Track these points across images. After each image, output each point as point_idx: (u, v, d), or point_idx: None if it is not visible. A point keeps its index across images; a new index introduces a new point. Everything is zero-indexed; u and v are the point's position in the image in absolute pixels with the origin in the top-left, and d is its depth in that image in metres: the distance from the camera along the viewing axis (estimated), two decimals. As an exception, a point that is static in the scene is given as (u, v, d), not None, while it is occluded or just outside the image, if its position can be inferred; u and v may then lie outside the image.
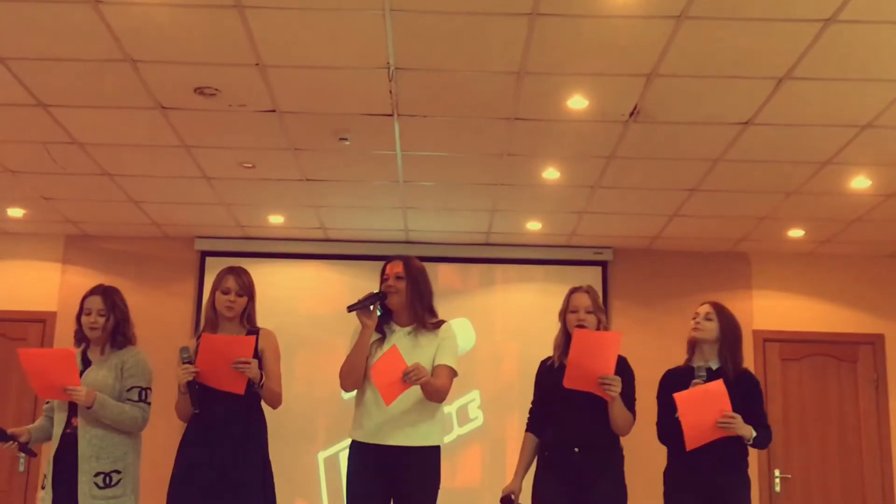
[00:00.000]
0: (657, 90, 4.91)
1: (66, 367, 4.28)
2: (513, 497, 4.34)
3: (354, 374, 4.18)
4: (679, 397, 4.19)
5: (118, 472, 4.35)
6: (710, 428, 4.18)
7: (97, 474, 4.30)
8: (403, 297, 4.25)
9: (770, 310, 8.01)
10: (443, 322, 4.32)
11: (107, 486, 4.30)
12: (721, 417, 4.16)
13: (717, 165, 5.98)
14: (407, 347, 4.17)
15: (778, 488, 7.68)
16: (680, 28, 4.26)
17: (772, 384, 7.75)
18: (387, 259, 4.38)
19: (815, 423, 7.84)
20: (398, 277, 4.26)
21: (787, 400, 7.84)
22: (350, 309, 4.14)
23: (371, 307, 4.16)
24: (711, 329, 4.45)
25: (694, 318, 4.50)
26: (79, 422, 4.35)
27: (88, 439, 4.32)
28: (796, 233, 7.46)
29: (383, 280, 4.30)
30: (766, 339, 7.91)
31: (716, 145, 5.66)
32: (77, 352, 4.53)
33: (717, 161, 5.91)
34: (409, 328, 4.26)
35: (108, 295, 4.54)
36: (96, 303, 4.50)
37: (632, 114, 5.22)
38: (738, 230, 7.45)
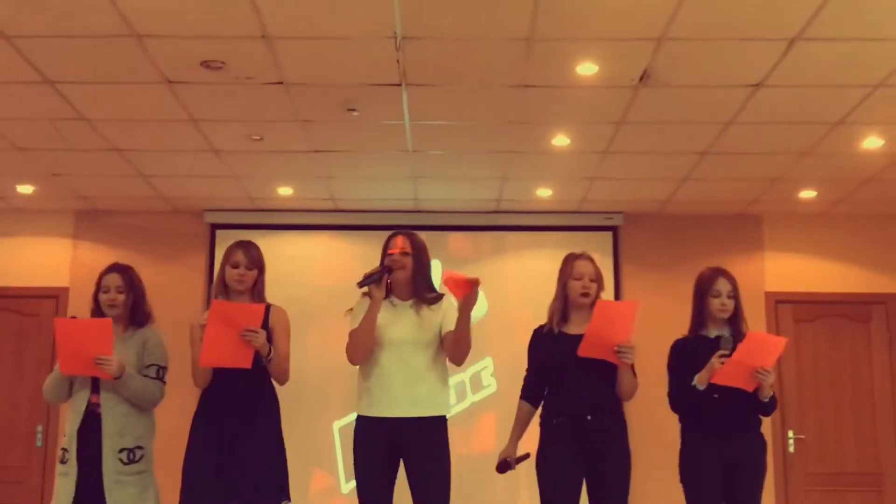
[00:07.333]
0: (667, 54, 4.86)
1: (102, 336, 4.28)
2: (509, 460, 4.40)
3: (365, 347, 4.19)
4: (752, 335, 4.31)
5: (141, 447, 4.42)
6: (746, 374, 4.23)
7: (121, 450, 4.35)
8: (409, 272, 4.28)
9: (782, 271, 7.98)
10: (442, 295, 4.37)
11: (131, 461, 4.36)
12: (762, 368, 4.20)
13: (728, 128, 5.94)
14: (405, 320, 4.24)
15: (792, 449, 7.70)
16: (689, -9, 4.22)
17: (785, 346, 7.73)
18: (391, 233, 4.40)
19: (829, 384, 7.84)
20: (404, 253, 4.29)
21: (801, 361, 7.84)
22: (361, 284, 4.14)
23: (381, 280, 4.17)
24: (733, 306, 4.46)
25: (717, 297, 4.45)
26: (102, 399, 4.38)
27: (113, 416, 4.37)
28: (808, 194, 7.42)
29: (388, 254, 4.31)
30: (779, 301, 7.90)
31: (726, 108, 5.62)
32: None
33: (728, 124, 5.87)
34: (410, 301, 4.31)
35: (126, 272, 4.58)
36: (114, 280, 4.53)
37: (641, 78, 5.17)
38: (750, 192, 7.41)
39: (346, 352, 4.26)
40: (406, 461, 4.18)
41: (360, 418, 4.27)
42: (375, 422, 4.18)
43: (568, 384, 4.30)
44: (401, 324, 4.24)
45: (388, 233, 8.21)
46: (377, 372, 4.21)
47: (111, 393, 4.38)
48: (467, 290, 4.07)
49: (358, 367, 4.31)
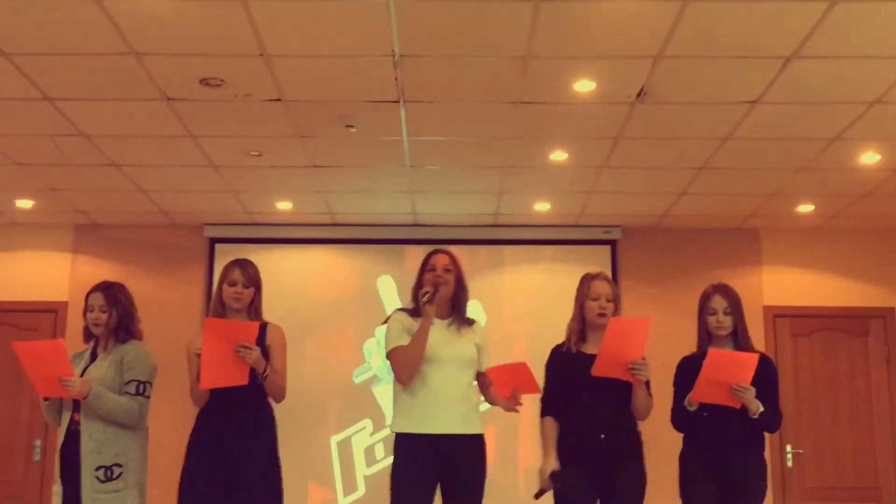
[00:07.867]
0: (664, 71, 4.89)
1: (58, 358, 4.27)
2: (553, 477, 4.26)
3: (418, 365, 4.21)
4: (713, 352, 4.25)
5: (119, 465, 4.37)
6: (724, 391, 4.21)
7: (98, 468, 4.32)
8: (451, 289, 4.34)
9: (780, 285, 7.99)
10: (474, 320, 4.44)
11: (108, 479, 4.32)
12: (738, 385, 4.19)
13: (725, 144, 5.96)
14: (449, 338, 4.29)
15: (790, 463, 7.71)
16: (686, 9, 4.24)
17: (782, 360, 7.74)
18: (431, 250, 4.45)
19: (827, 398, 7.85)
20: (447, 270, 4.35)
21: (798, 375, 7.84)
22: (426, 303, 4.19)
23: (433, 299, 4.22)
24: (731, 323, 4.45)
25: (712, 314, 4.45)
26: (81, 417, 4.37)
27: (90, 434, 4.35)
28: (806, 208, 7.44)
29: (428, 270, 4.35)
30: (777, 315, 7.90)
31: (723, 124, 5.64)
32: (88, 348, 4.59)
33: (725, 140, 5.89)
34: (448, 320, 4.35)
35: (110, 291, 4.57)
36: (98, 299, 4.54)
37: (638, 95, 5.20)
38: (747, 206, 7.43)
39: (396, 370, 4.28)
40: (444, 476, 4.20)
41: (401, 436, 4.26)
42: (420, 438, 4.19)
43: (584, 404, 4.30)
44: (448, 342, 4.29)
45: (386, 247, 8.24)
46: (426, 389, 4.22)
47: (88, 410, 4.37)
48: (524, 390, 4.37)
49: (393, 384, 4.36)
